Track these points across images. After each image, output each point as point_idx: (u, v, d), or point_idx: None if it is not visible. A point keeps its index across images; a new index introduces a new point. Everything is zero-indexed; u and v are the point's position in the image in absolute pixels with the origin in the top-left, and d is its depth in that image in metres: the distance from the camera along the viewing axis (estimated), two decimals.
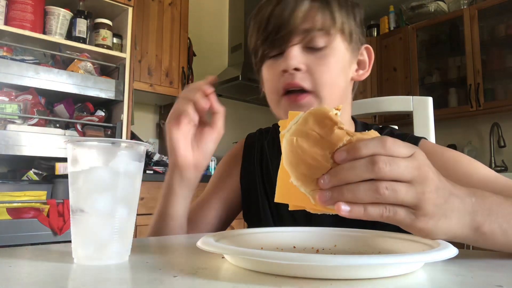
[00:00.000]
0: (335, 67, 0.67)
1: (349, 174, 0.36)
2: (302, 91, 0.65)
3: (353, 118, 0.80)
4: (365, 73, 0.75)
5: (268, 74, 0.70)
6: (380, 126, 0.81)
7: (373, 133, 0.39)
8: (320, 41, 0.65)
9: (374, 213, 0.37)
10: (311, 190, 0.38)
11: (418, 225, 0.39)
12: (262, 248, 0.50)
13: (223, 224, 0.83)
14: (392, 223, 0.39)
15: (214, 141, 0.66)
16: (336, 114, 0.38)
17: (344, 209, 0.36)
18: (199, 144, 0.65)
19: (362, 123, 0.80)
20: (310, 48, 0.66)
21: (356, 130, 0.76)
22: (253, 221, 0.82)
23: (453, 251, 0.38)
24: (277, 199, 0.42)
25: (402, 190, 0.36)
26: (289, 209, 0.42)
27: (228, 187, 0.84)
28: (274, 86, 0.69)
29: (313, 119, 0.38)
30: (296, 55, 0.65)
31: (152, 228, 0.69)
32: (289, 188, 0.40)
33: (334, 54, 0.67)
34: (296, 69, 0.64)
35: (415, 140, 0.72)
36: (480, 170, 0.64)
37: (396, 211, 0.37)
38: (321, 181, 0.37)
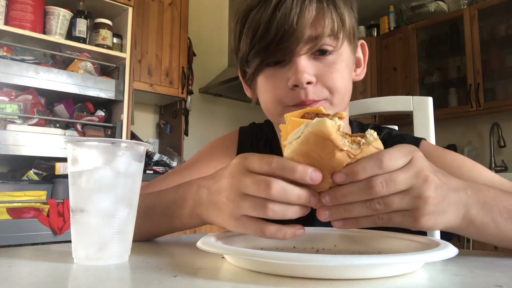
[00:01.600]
0: (345, 72, 0.63)
1: (348, 199, 0.39)
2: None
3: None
4: (362, 72, 0.72)
5: (268, 85, 0.63)
6: (377, 126, 0.79)
7: (373, 147, 0.38)
8: (329, 47, 0.60)
9: (367, 224, 0.40)
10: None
11: (418, 226, 0.40)
12: (262, 248, 0.50)
13: None
14: (389, 226, 0.40)
15: None
16: (339, 126, 0.37)
17: (337, 225, 0.40)
18: None
19: (358, 124, 0.79)
20: (316, 54, 0.61)
21: (352, 133, 0.74)
22: None
23: (453, 251, 0.38)
24: None
25: (397, 201, 0.38)
26: None
27: (213, 169, 0.78)
28: (278, 98, 0.63)
29: (314, 139, 0.37)
30: (306, 66, 0.59)
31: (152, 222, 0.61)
32: None
33: (342, 58, 0.62)
34: (309, 83, 0.59)
35: (414, 142, 0.71)
36: (484, 174, 0.64)
37: (390, 218, 0.40)
38: (323, 200, 0.39)
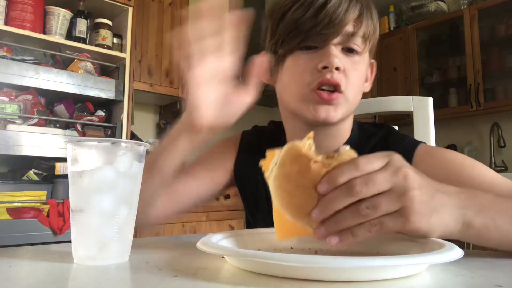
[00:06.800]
0: (363, 74, 0.70)
1: (334, 205, 0.39)
2: (334, 90, 0.65)
3: None
4: (368, 86, 0.77)
5: (298, 67, 0.67)
6: (377, 124, 0.81)
7: (347, 156, 0.41)
8: (358, 47, 0.67)
9: (361, 233, 0.39)
10: (307, 222, 0.41)
11: (411, 227, 0.39)
12: (259, 249, 0.50)
13: (201, 199, 0.81)
14: (384, 233, 0.40)
15: (244, 105, 0.58)
16: (309, 144, 0.41)
17: (334, 241, 0.40)
18: (225, 105, 0.57)
19: (357, 124, 0.80)
20: (345, 51, 0.67)
21: (352, 133, 0.77)
22: (252, 213, 0.84)
23: (458, 252, 0.38)
24: (279, 237, 0.46)
25: (383, 202, 0.39)
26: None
27: (220, 168, 0.83)
28: (305, 79, 0.66)
29: (289, 160, 0.40)
30: (338, 54, 0.65)
31: None
32: (287, 224, 0.43)
33: (363, 62, 0.69)
34: (337, 68, 0.64)
35: (413, 145, 0.71)
36: (484, 173, 0.63)
37: (382, 223, 0.39)
38: (313, 215, 0.40)
